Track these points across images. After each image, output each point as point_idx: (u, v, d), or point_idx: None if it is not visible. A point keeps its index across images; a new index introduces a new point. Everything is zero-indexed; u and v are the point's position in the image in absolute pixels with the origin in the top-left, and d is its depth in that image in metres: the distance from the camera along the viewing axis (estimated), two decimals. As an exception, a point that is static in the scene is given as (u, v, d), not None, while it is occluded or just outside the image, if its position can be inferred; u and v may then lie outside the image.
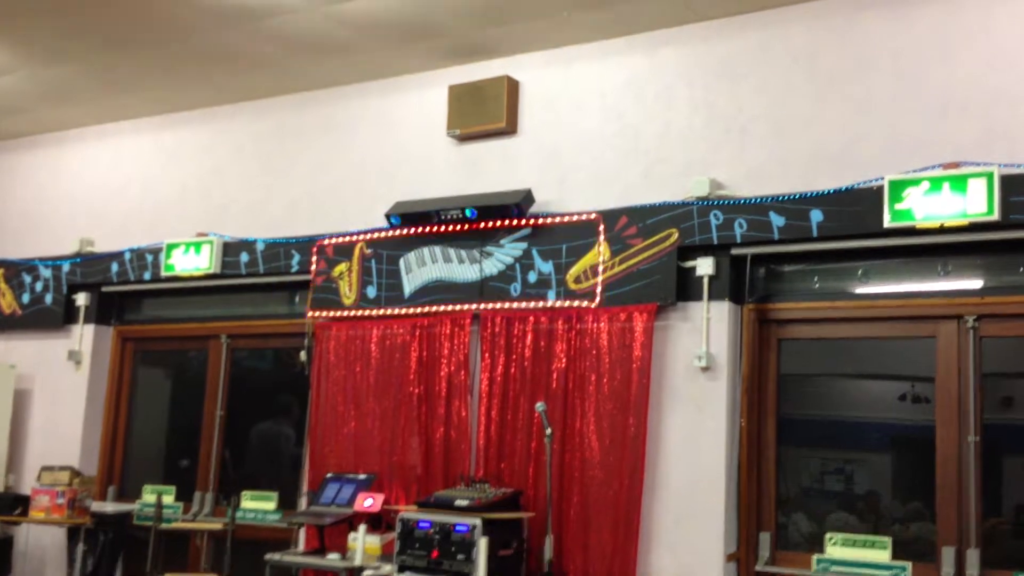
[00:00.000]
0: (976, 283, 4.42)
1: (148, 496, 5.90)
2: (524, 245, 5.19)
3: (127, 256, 6.57)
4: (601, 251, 4.96)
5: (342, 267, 5.71)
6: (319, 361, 5.67)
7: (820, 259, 4.70)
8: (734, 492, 4.62)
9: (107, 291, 6.72)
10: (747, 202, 4.66)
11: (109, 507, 6.08)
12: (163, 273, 6.36)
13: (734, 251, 4.71)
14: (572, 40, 5.29)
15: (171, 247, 6.35)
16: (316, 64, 5.78)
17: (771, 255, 4.72)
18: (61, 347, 6.76)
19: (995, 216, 4.09)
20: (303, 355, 5.72)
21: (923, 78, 4.42)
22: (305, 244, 5.88)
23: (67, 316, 6.79)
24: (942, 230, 4.24)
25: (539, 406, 4.65)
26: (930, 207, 4.23)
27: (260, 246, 6.07)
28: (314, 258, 5.81)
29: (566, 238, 5.08)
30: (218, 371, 6.38)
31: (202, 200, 6.43)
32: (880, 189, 4.34)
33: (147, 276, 6.46)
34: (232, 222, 6.24)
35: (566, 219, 5.09)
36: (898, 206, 4.28)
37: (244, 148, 6.38)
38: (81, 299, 6.72)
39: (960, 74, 4.34)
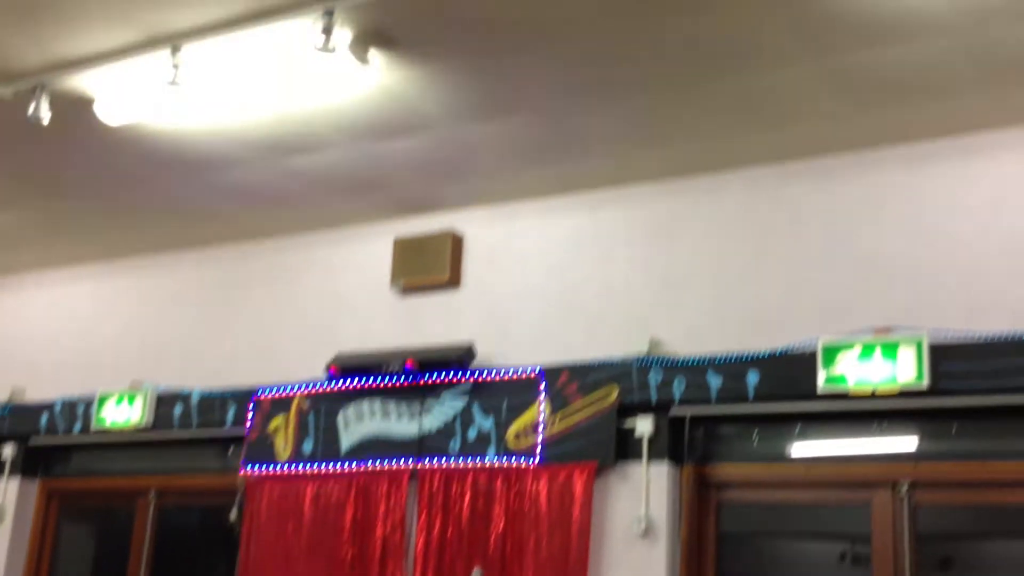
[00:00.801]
0: (910, 448, 4.45)
1: (65, 663, 5.61)
2: (465, 400, 5.15)
3: (57, 407, 6.40)
4: (542, 408, 4.93)
5: (278, 420, 5.61)
6: (250, 520, 5.49)
7: (758, 420, 4.71)
8: (674, 662, 4.49)
9: (35, 445, 6.52)
10: (685, 363, 4.68)
11: (22, 675, 5.75)
12: (94, 426, 6.19)
13: (673, 411, 4.70)
14: (516, 196, 5.38)
15: (103, 398, 6.20)
16: (262, 214, 5.81)
17: (709, 416, 4.72)
18: (-17, 500, 6.51)
19: (925, 383, 4.15)
20: (234, 513, 5.54)
21: (852, 244, 4.54)
22: (242, 396, 5.78)
23: (-9, 468, 6.57)
24: (874, 397, 4.29)
25: (475, 574, 4.52)
26: (862, 372, 4.28)
27: (195, 398, 5.95)
28: (250, 412, 5.71)
29: (507, 393, 5.04)
30: (144, 529, 6.14)
31: (138, 349, 6.33)
32: (814, 353, 4.40)
33: (77, 428, 6.28)
34: (168, 371, 6.12)
35: (507, 374, 5.07)
36: (831, 371, 4.34)
37: (185, 297, 6.32)
38: (7, 451, 6.50)
39: (887, 241, 4.47)
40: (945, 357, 4.16)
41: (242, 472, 5.60)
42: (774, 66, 4.03)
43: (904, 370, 4.19)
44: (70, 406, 6.36)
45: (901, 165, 4.54)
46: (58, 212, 5.95)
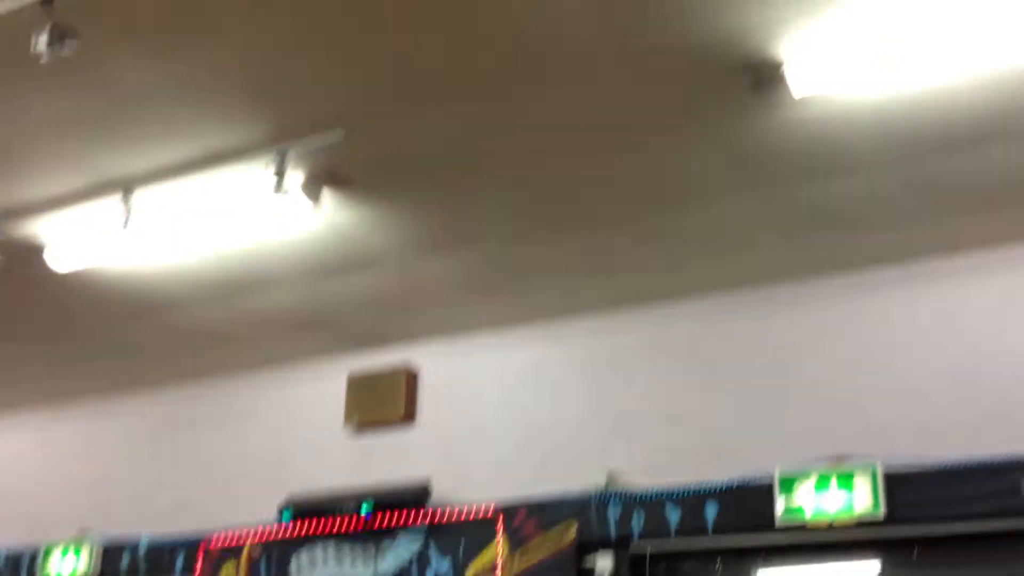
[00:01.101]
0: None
1: None
2: (421, 540, 5.03)
3: (1, 561, 6.16)
4: (500, 547, 4.82)
5: (229, 568, 5.42)
6: (199, 675, 5.26)
7: (718, 552, 4.62)
8: None
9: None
10: (644, 497, 4.63)
11: None
12: (37, 583, 5.98)
13: (633, 547, 4.61)
14: (469, 328, 5.37)
15: (49, 549, 5.99)
16: (213, 353, 5.74)
17: (669, 552, 4.64)
18: (-79, 663, 6.19)
19: (881, 513, 4.13)
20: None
21: (800, 372, 4.59)
22: (192, 543, 5.59)
23: (-70, 628, 6.26)
24: (833, 528, 4.25)
25: None
26: (819, 503, 4.26)
27: (143, 547, 5.75)
28: (199, 561, 5.52)
29: (464, 533, 4.94)
30: None
31: (86, 495, 6.15)
32: (771, 485, 4.37)
33: (21, 583, 6.06)
34: (117, 517, 5.93)
35: (464, 513, 4.97)
36: (789, 503, 4.31)
37: (133, 439, 6.19)
38: (-54, 610, 6.25)
39: (835, 370, 4.53)
40: (900, 485, 4.15)
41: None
42: (717, 199, 4.13)
43: (860, 500, 4.18)
44: (15, 559, 6.13)
45: (846, 293, 4.62)
46: (3, 357, 5.85)
